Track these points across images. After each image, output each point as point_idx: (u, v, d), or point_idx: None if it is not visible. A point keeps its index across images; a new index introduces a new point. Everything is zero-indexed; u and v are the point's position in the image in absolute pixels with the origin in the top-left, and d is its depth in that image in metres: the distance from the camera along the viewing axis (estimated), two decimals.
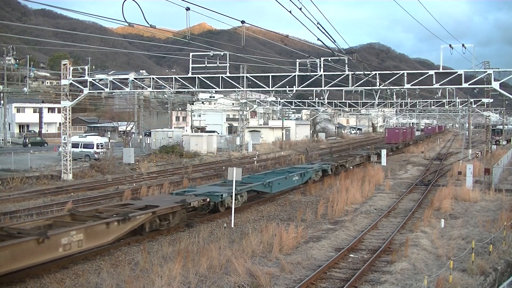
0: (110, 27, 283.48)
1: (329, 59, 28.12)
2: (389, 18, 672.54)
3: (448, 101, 54.26)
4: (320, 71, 28.69)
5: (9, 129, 77.38)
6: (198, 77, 30.88)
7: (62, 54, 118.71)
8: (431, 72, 27.57)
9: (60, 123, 43.04)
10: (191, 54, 29.46)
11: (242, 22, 17.29)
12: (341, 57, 26.79)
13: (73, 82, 35.66)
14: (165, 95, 64.42)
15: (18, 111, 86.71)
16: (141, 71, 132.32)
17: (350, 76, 28.66)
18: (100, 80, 37.35)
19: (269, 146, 69.38)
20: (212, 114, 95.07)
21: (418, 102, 60.81)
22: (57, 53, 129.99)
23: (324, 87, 29.71)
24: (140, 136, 65.30)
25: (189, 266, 13.76)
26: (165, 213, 18.08)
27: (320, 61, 28.45)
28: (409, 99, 61.23)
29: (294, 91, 32.67)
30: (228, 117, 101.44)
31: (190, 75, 30.92)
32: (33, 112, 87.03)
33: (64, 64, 36.07)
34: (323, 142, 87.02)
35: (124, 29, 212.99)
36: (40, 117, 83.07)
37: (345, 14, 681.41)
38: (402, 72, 28.29)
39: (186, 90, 33.84)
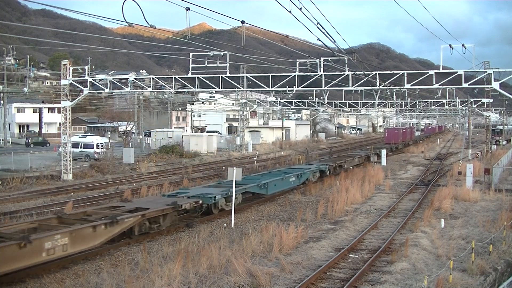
0: (110, 27, 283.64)
1: (329, 59, 28.13)
2: (389, 18, 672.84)
3: (448, 101, 54.27)
4: (320, 71, 28.69)
5: (9, 129, 77.39)
6: (198, 77, 30.88)
7: (62, 54, 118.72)
8: (431, 72, 27.57)
9: (60, 123, 43.05)
10: (191, 54, 29.47)
11: (242, 22, 17.29)
12: (341, 57, 26.79)
13: (73, 82, 35.67)
14: (165, 95, 64.43)
15: (18, 111, 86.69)
16: (141, 71, 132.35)
17: (350, 76, 28.66)
18: (100, 80, 37.37)
19: (269, 146, 69.39)
20: (212, 114, 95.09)
21: (418, 102, 60.81)
22: (57, 53, 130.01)
23: (324, 87, 29.71)
24: (140, 136, 65.32)
25: (189, 266, 13.76)
26: (155, 216, 17.65)
27: (320, 61, 28.45)
28: (409, 99, 61.23)
29: (294, 91, 32.67)
30: (228, 117, 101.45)
31: (190, 75, 30.93)
32: (33, 112, 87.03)
33: (64, 64, 36.08)
34: (323, 142, 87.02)
35: (124, 29, 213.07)
36: (40, 117, 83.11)
37: (345, 14, 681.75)
38: (402, 72, 28.30)
39: (186, 90, 33.84)
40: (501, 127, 77.32)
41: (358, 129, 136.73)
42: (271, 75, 30.62)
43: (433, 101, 57.42)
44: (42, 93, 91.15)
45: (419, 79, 27.89)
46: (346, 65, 28.31)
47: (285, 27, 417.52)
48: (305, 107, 74.23)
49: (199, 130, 78.15)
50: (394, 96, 55.27)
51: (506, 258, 16.20)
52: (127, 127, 59.36)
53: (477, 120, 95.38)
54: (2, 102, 66.39)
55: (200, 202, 20.21)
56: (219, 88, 31.37)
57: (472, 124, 70.10)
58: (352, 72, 28.48)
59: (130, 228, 16.53)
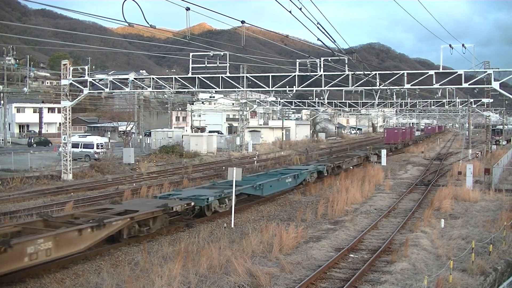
0: (110, 27, 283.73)
1: (329, 59, 28.12)
2: (389, 18, 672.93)
3: (448, 101, 54.26)
4: (320, 71, 28.69)
5: (9, 129, 77.40)
6: (198, 77, 30.88)
7: (62, 54, 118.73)
8: (431, 72, 27.57)
9: (60, 123, 43.05)
10: (191, 54, 29.47)
11: (242, 22, 17.28)
12: (341, 57, 26.79)
13: (73, 82, 35.67)
14: (165, 95, 64.44)
15: (18, 111, 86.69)
16: (141, 71, 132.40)
17: (350, 76, 28.66)
18: (100, 80, 37.39)
19: (269, 146, 69.39)
20: (212, 114, 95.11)
21: (418, 102, 60.81)
22: (57, 53, 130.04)
23: (324, 87, 29.71)
24: (140, 136, 65.33)
25: (189, 266, 13.76)
26: (144, 219, 17.23)
27: (320, 61, 28.45)
28: (409, 99, 61.22)
29: (294, 91, 32.67)
30: (228, 117, 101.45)
31: (190, 75, 30.93)
32: (33, 112, 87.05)
33: (64, 64, 36.09)
34: (323, 142, 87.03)
35: (124, 29, 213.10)
36: (40, 117, 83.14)
37: (345, 14, 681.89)
38: (402, 72, 28.30)
39: (186, 90, 33.84)
40: (501, 127, 77.32)
41: (358, 129, 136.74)
42: (271, 75, 30.61)
43: (433, 101, 57.41)
44: (42, 93, 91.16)
45: (419, 79, 27.89)
46: (346, 65, 28.31)
47: (285, 27, 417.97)
48: (305, 107, 74.24)
49: (199, 130, 78.15)
50: (394, 96, 55.25)
51: (506, 258, 16.20)
52: (127, 127, 59.37)
53: (477, 120, 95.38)
54: (2, 102, 66.41)
55: (192, 204, 19.79)
56: (219, 88, 31.36)
57: (472, 124, 70.10)
58: (352, 72, 28.47)
59: (118, 231, 16.14)
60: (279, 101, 64.90)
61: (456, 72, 27.16)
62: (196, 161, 48.91)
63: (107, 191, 29.36)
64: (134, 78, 36.17)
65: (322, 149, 68.66)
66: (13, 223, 15.70)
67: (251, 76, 31.47)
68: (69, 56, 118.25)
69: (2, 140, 65.74)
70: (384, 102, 59.06)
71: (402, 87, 29.75)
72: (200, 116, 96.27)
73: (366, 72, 28.31)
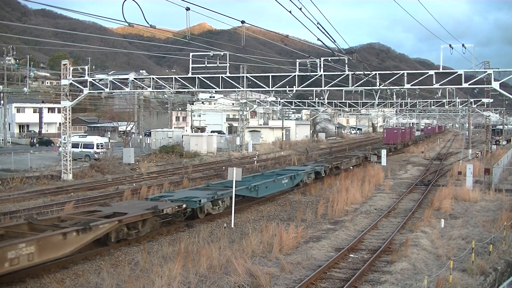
0: (110, 27, 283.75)
1: (329, 59, 28.12)
2: (389, 18, 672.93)
3: (448, 101, 54.26)
4: (320, 71, 28.69)
5: (9, 129, 77.42)
6: (198, 77, 30.88)
7: (62, 54, 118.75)
8: (431, 72, 27.57)
9: (60, 123, 43.05)
10: (191, 54, 29.47)
11: (242, 22, 17.29)
12: (341, 57, 26.79)
13: (73, 82, 35.67)
14: (165, 95, 64.45)
15: (18, 111, 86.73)
16: (141, 71, 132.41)
17: (350, 76, 28.66)
18: (100, 80, 37.39)
19: (269, 146, 69.40)
20: (212, 114, 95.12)
21: (418, 102, 60.80)
22: (57, 53, 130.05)
23: (324, 87, 29.71)
24: (140, 136, 65.34)
25: (189, 266, 13.77)
26: (133, 221, 16.72)
27: (320, 61, 28.44)
28: (409, 99, 61.21)
29: (294, 91, 32.67)
30: (228, 117, 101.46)
31: (190, 75, 30.93)
32: (33, 112, 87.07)
33: (64, 64, 36.09)
34: (323, 142, 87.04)
35: (124, 29, 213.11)
36: (40, 117, 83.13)
37: (345, 14, 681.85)
38: (402, 72, 28.30)
39: (186, 90, 33.84)
40: (501, 127, 77.32)
41: (358, 129, 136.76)
42: (271, 75, 30.61)
43: (433, 101, 57.41)
44: (42, 93, 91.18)
45: (419, 79, 27.89)
46: (346, 65, 28.31)
47: (285, 27, 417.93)
48: (305, 107, 74.24)
49: (199, 130, 78.17)
50: (394, 96, 55.24)
51: (506, 258, 16.20)
52: (127, 127, 59.37)
53: (477, 120, 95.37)
54: (2, 102, 66.43)
55: (184, 206, 19.27)
56: (219, 88, 31.36)
57: (472, 124, 70.10)
58: (352, 72, 28.47)
59: (106, 235, 15.70)
60: (279, 101, 64.90)
61: (456, 72, 27.16)
62: (196, 161, 48.91)
63: (107, 191, 29.36)
64: (134, 78, 36.18)
65: (322, 149, 68.66)
66: None
67: (251, 76, 31.47)
68: (69, 56, 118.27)
69: (2, 140, 65.76)
70: (384, 102, 59.06)
71: (402, 87, 29.75)
72: (200, 116, 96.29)
73: (366, 72, 28.31)
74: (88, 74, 35.77)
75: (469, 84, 27.24)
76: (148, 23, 15.57)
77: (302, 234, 17.79)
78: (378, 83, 28.88)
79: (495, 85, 26.34)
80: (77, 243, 14.09)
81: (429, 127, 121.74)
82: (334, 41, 18.60)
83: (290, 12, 14.82)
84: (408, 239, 16.83)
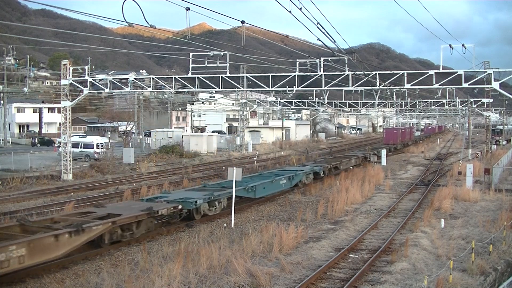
0: (110, 27, 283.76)
1: (329, 59, 28.13)
2: (389, 18, 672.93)
3: (448, 101, 54.27)
4: (320, 71, 28.69)
5: (9, 129, 77.43)
6: (198, 77, 30.89)
7: (62, 54, 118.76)
8: (431, 72, 27.57)
9: (60, 123, 43.06)
10: (191, 54, 29.48)
11: (242, 22, 17.29)
12: (341, 57, 26.80)
13: (73, 82, 35.68)
14: (165, 95, 64.46)
15: (18, 111, 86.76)
16: (141, 71, 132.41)
17: (350, 76, 28.66)
18: (100, 80, 37.39)
19: (269, 146, 69.41)
20: (212, 114, 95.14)
21: (418, 102, 60.80)
22: (57, 53, 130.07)
23: (324, 87, 29.71)
24: (140, 136, 65.35)
25: (189, 266, 13.77)
26: (128, 223, 16.44)
27: (320, 61, 28.45)
28: (409, 99, 61.21)
29: (294, 91, 32.67)
30: (228, 117, 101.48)
31: (190, 75, 30.94)
32: (33, 112, 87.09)
33: (64, 64, 36.10)
34: (323, 142, 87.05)
35: (124, 29, 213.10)
36: (40, 117, 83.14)
37: (345, 14, 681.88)
38: (402, 72, 28.30)
39: (186, 90, 33.85)
40: (501, 127, 77.33)
41: (358, 129, 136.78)
42: (271, 75, 30.61)
43: (433, 101, 57.41)
44: (42, 93, 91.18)
45: (419, 79, 27.89)
46: (346, 65, 28.32)
47: (285, 27, 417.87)
48: (305, 107, 74.25)
49: (199, 130, 78.21)
50: (394, 96, 55.24)
51: (506, 258, 16.20)
52: (127, 127, 59.38)
53: (477, 120, 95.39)
54: (2, 102, 66.44)
55: (180, 207, 18.97)
56: (219, 88, 31.37)
57: (472, 124, 70.10)
58: (352, 72, 28.48)
59: (100, 236, 15.44)
60: (279, 101, 64.91)
61: (456, 72, 27.16)
62: (196, 161, 48.92)
63: (107, 191, 29.36)
64: (134, 78, 36.19)
65: (322, 149, 68.66)
66: None
67: (251, 76, 31.48)
68: (69, 56, 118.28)
69: (2, 140, 65.76)
70: (384, 102, 59.05)
71: (402, 87, 29.76)
72: (200, 116, 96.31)
73: (366, 72, 28.31)
74: (88, 74, 35.78)
75: (469, 84, 27.25)
76: (148, 23, 15.58)
77: (302, 234, 17.79)
78: (378, 83, 28.89)
79: (495, 85, 26.35)
80: (70, 245, 13.86)
81: (429, 127, 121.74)
82: (334, 41, 18.62)
83: (290, 12, 14.83)
84: (408, 239, 16.83)
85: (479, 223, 20.47)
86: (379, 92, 43.67)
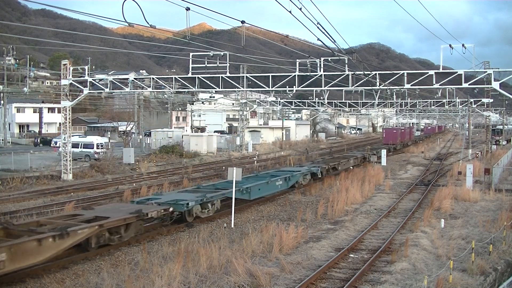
0: (110, 27, 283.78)
1: (329, 59, 28.13)
2: (389, 18, 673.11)
3: (448, 101, 54.28)
4: (320, 71, 28.69)
5: (9, 129, 77.42)
6: (198, 77, 30.89)
7: (62, 54, 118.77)
8: (431, 72, 27.58)
9: (60, 123, 43.07)
10: (191, 54, 29.48)
11: (242, 22, 17.29)
12: (341, 57, 26.80)
13: (73, 82, 35.68)
14: (165, 95, 64.47)
15: (18, 111, 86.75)
16: (141, 71, 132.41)
17: (350, 76, 28.66)
18: (100, 80, 37.37)
19: (269, 146, 69.41)
20: (212, 114, 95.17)
21: (418, 102, 60.80)
22: (57, 53, 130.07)
23: (324, 87, 29.71)
24: (140, 136, 65.35)
25: (189, 266, 13.77)
26: (116, 226, 15.90)
27: (320, 61, 28.45)
28: (409, 99, 61.21)
29: (294, 91, 32.67)
30: (228, 117, 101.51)
31: (190, 75, 30.94)
32: (33, 112, 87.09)
33: (64, 64, 36.10)
34: (323, 142, 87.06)
35: (124, 29, 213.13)
36: (40, 117, 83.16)
37: (345, 14, 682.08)
38: (402, 72, 28.30)
39: (186, 90, 33.85)
40: (501, 127, 77.33)
41: (358, 129, 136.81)
42: (271, 75, 30.61)
43: (433, 101, 57.42)
44: (42, 93, 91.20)
45: (419, 79, 27.90)
46: (346, 65, 28.32)
47: (285, 27, 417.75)
48: (305, 107, 74.25)
49: (199, 130, 78.25)
50: (394, 96, 55.25)
51: (506, 258, 16.20)
52: (127, 127, 59.38)
53: (477, 120, 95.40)
54: (2, 102, 66.44)
55: (171, 209, 18.47)
56: (219, 88, 31.36)
57: (472, 124, 70.10)
58: (352, 72, 28.48)
59: (86, 240, 14.99)
60: (279, 101, 64.91)
61: (456, 72, 27.17)
62: (196, 161, 48.93)
63: (107, 191, 29.37)
64: (134, 78, 36.18)
65: (322, 149, 68.67)
66: None
67: (251, 76, 31.48)
68: (69, 56, 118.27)
69: (2, 140, 65.75)
70: (384, 102, 59.05)
71: (402, 87, 29.76)
72: (200, 116, 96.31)
73: (366, 72, 28.32)
74: (88, 74, 35.78)
75: (469, 84, 27.25)
76: (148, 23, 15.58)
77: (302, 234, 17.79)
78: (378, 83, 28.89)
79: (495, 85, 26.35)
80: (54, 249, 13.38)
81: (429, 127, 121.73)
82: (334, 41, 18.62)
83: (290, 12, 14.84)
84: (408, 239, 16.83)
85: (479, 223, 20.47)
86: (379, 92, 43.67)
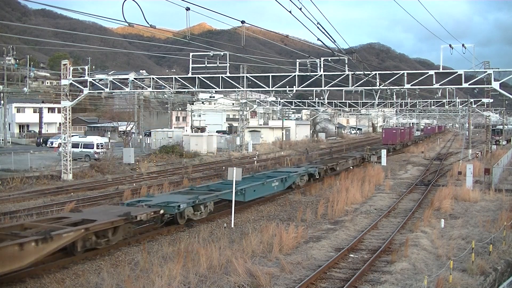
0: (110, 27, 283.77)
1: (329, 59, 28.12)
2: (389, 18, 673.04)
3: (448, 101, 54.28)
4: (320, 71, 28.69)
5: (9, 129, 77.43)
6: (198, 77, 30.89)
7: (62, 54, 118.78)
8: (431, 72, 27.58)
9: (60, 123, 43.08)
10: (191, 54, 29.48)
11: (242, 22, 17.29)
12: (341, 57, 26.80)
13: (73, 82, 35.68)
14: (165, 95, 64.48)
15: (18, 111, 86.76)
16: (141, 71, 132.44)
17: (350, 76, 28.66)
18: (100, 80, 37.39)
19: (269, 146, 69.42)
20: (212, 114, 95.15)
21: (418, 102, 60.80)
22: (57, 53, 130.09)
23: (324, 87, 29.71)
24: (140, 136, 65.35)
25: (189, 266, 13.77)
26: (103, 229, 15.38)
27: (320, 61, 28.45)
28: (409, 99, 61.21)
29: (294, 91, 32.67)
30: (228, 117, 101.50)
31: (190, 75, 30.94)
32: (33, 112, 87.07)
33: (64, 64, 36.10)
34: (323, 142, 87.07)
35: (124, 29, 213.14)
36: (40, 117, 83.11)
37: (345, 14, 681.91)
38: (402, 72, 28.30)
39: (186, 90, 33.85)
40: (501, 127, 77.33)
41: (358, 129, 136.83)
42: (271, 75, 30.61)
43: (433, 101, 57.42)
44: (42, 93, 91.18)
45: (419, 79, 27.90)
46: (346, 65, 28.32)
47: (285, 27, 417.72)
48: (305, 107, 74.25)
49: (199, 130, 78.26)
50: (394, 96, 55.26)
51: (506, 258, 16.21)
52: (127, 127, 59.39)
53: (477, 120, 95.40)
54: (2, 102, 66.42)
55: (162, 211, 17.94)
56: (219, 88, 31.36)
57: (472, 124, 70.08)
58: (352, 72, 28.48)
59: (72, 244, 14.56)
60: (279, 101, 64.91)
61: (456, 72, 27.17)
62: (196, 161, 48.93)
63: (107, 191, 29.37)
64: (134, 78, 36.19)
65: (322, 149, 68.67)
66: None
67: (251, 76, 31.48)
68: (69, 56, 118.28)
69: (2, 140, 65.74)
70: (384, 102, 59.05)
71: (402, 87, 29.76)
72: (200, 116, 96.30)
73: (366, 72, 28.32)
74: (88, 74, 35.80)
75: (469, 84, 27.25)
76: (148, 23, 15.58)
77: (302, 234, 17.79)
78: (378, 83, 28.89)
79: (495, 85, 26.35)
80: (36, 254, 12.87)
81: (429, 127, 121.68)
82: (334, 41, 18.62)
83: (290, 12, 14.84)
84: (408, 239, 16.83)
85: (479, 223, 20.47)
86: (379, 92, 43.67)
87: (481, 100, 54.75)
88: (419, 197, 28.26)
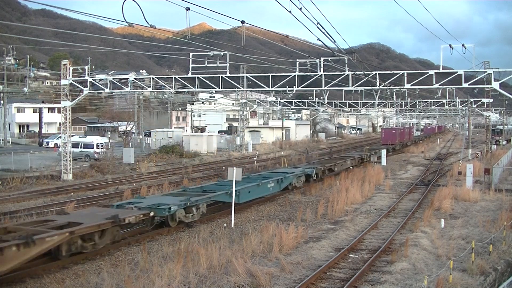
0: (110, 27, 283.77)
1: (329, 59, 28.13)
2: (389, 18, 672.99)
3: (448, 101, 54.27)
4: (320, 71, 28.70)
5: (9, 129, 77.42)
6: (198, 77, 30.89)
7: (62, 54, 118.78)
8: (431, 72, 27.58)
9: (60, 123, 43.07)
10: (191, 54, 29.48)
11: (242, 22, 17.30)
12: (341, 57, 26.80)
13: (73, 82, 35.68)
14: (165, 95, 64.44)
15: (18, 111, 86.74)
16: (141, 71, 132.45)
17: (350, 76, 28.66)
18: (100, 80, 37.39)
19: (269, 146, 69.42)
20: (212, 114, 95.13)
21: (418, 102, 60.78)
22: (57, 53, 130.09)
23: (324, 87, 29.71)
24: (140, 136, 65.35)
25: (189, 266, 13.77)
26: (89, 232, 14.87)
27: (320, 61, 28.45)
28: (409, 99, 61.18)
29: (294, 91, 32.67)
30: (228, 117, 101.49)
31: (190, 75, 30.94)
32: (33, 112, 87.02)
33: (64, 64, 36.10)
34: (323, 142, 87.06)
35: (124, 29, 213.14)
36: (40, 117, 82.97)
37: (345, 14, 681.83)
38: (402, 72, 28.30)
39: (186, 90, 33.86)
40: (501, 127, 77.33)
41: (358, 129, 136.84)
42: (271, 75, 30.61)
43: (433, 101, 57.41)
44: (42, 93, 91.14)
45: (419, 79, 27.90)
46: (346, 65, 28.32)
47: (285, 27, 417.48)
48: (305, 107, 74.24)
49: (199, 130, 78.26)
50: (394, 96, 55.25)
51: (506, 258, 16.21)
52: (127, 127, 59.38)
53: (477, 120, 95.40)
54: (2, 102, 66.41)
55: (152, 214, 17.51)
56: (219, 88, 31.37)
57: (472, 124, 70.09)
58: (352, 72, 28.48)
59: (57, 247, 14.06)
60: (279, 101, 64.91)
61: (456, 72, 27.17)
62: (196, 161, 48.93)
63: (107, 191, 29.37)
64: (134, 78, 36.19)
65: (322, 149, 68.65)
66: None
67: (251, 76, 31.48)
68: (69, 56, 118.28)
69: (2, 140, 65.74)
70: (384, 102, 59.04)
71: (402, 87, 29.76)
72: (200, 116, 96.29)
73: (366, 72, 28.32)
74: (88, 74, 35.80)
75: (469, 84, 27.25)
76: (148, 23, 15.59)
77: (302, 234, 17.79)
78: (378, 83, 28.89)
79: (495, 85, 26.35)
80: (18, 258, 12.46)
81: (429, 127, 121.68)
82: (334, 41, 18.63)
83: (290, 12, 14.84)
84: (408, 239, 16.83)
85: (479, 223, 20.48)
86: (379, 92, 43.66)
87: (481, 100, 54.75)
88: (419, 197, 28.26)
